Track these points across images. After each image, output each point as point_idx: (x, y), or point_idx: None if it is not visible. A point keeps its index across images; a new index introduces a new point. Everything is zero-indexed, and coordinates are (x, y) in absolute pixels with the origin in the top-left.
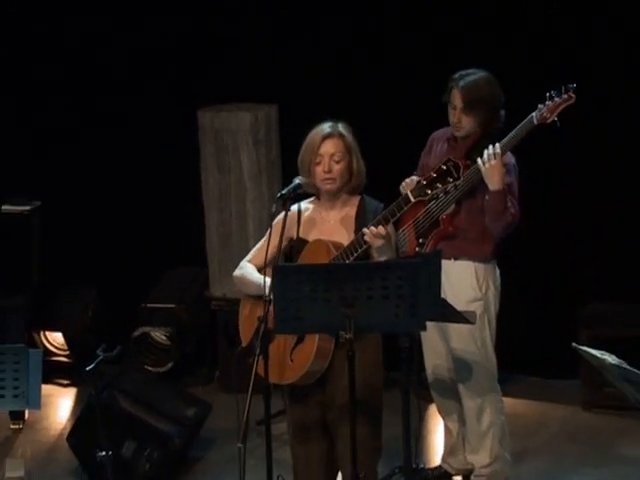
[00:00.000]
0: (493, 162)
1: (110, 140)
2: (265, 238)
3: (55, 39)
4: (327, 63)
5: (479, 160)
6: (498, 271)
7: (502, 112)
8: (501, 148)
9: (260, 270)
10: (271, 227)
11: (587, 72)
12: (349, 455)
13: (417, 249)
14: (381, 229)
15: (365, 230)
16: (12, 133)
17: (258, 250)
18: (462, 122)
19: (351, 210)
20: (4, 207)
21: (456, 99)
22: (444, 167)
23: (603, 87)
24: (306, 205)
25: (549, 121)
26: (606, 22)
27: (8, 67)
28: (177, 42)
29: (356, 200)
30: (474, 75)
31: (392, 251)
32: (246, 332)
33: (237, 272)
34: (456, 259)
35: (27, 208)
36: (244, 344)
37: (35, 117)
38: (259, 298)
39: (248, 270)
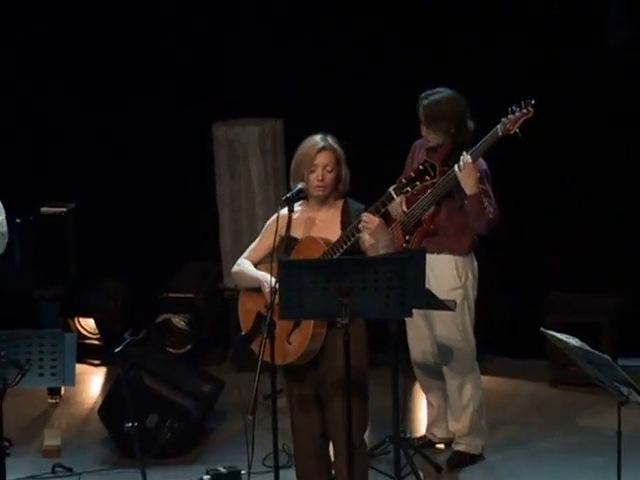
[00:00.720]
0: (466, 169)
1: (135, 149)
2: (259, 238)
3: (88, 52)
4: (324, 84)
5: (455, 167)
6: (476, 263)
7: (470, 124)
8: (471, 156)
9: (256, 265)
10: (264, 228)
11: (546, 88)
12: (340, 426)
13: (404, 245)
14: (371, 221)
15: (363, 215)
16: (49, 146)
17: (254, 248)
18: (428, 135)
19: (336, 211)
20: (43, 209)
21: (421, 115)
22: (422, 167)
23: (561, 101)
24: (296, 207)
25: (512, 132)
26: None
27: (33, 81)
28: (194, 62)
29: (340, 203)
30: (438, 94)
31: (386, 234)
32: (246, 321)
33: (235, 268)
34: (438, 253)
35: (63, 210)
36: (244, 332)
37: (67, 133)
38: (256, 290)
39: (246, 266)
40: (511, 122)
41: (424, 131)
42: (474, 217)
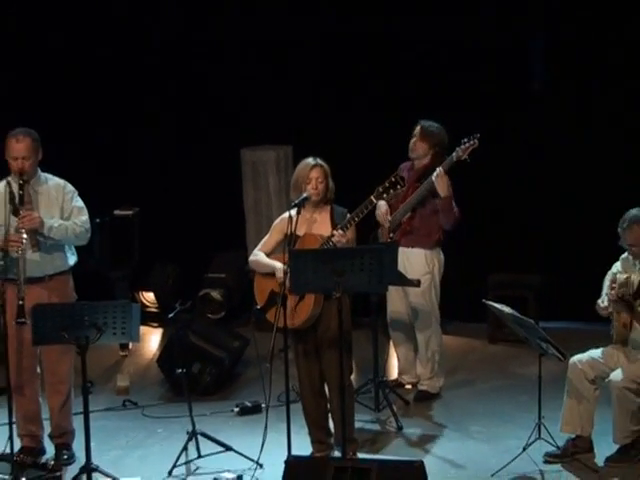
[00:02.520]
0: (440, 177)
1: (184, 168)
2: (269, 235)
3: (152, 80)
4: (324, 120)
5: (432, 176)
6: (442, 255)
7: (443, 152)
8: (442, 168)
9: (268, 255)
10: (272, 227)
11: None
12: (333, 371)
13: (389, 239)
14: (342, 235)
15: (334, 232)
16: (121, 164)
17: (265, 243)
18: (418, 146)
19: (326, 214)
20: (115, 212)
21: (418, 130)
22: (393, 179)
23: (497, 134)
24: (294, 212)
25: (463, 159)
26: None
27: (108, 99)
28: (228, 102)
29: (328, 207)
30: (430, 122)
31: (351, 242)
32: (261, 297)
33: (252, 258)
34: (413, 247)
35: (130, 212)
36: (259, 305)
37: (134, 156)
38: (268, 274)
39: (261, 256)
40: (462, 151)
41: (414, 142)
42: (444, 215)
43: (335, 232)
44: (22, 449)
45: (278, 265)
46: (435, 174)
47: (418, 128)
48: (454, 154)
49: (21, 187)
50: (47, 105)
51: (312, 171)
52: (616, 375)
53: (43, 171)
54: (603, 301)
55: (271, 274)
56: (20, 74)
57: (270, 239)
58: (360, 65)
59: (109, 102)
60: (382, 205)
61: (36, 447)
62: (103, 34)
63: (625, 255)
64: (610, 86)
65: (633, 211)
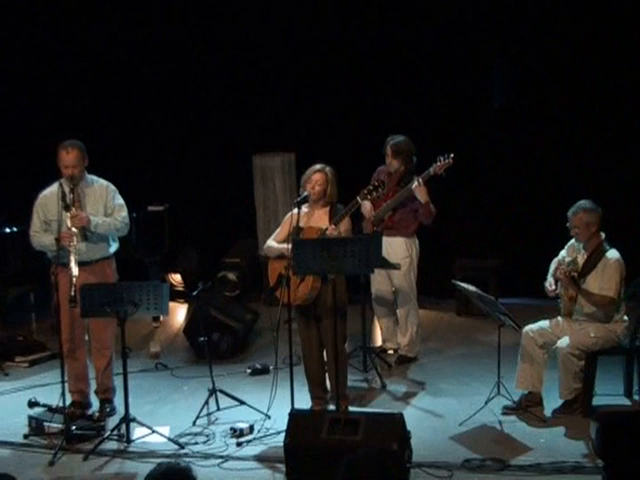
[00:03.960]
0: (419, 188)
1: (205, 171)
2: (280, 227)
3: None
4: (322, 132)
5: (413, 186)
6: (417, 242)
7: (414, 159)
8: (422, 179)
9: (279, 243)
10: (283, 221)
11: (456, 138)
12: (330, 339)
13: (373, 231)
14: (334, 229)
15: (328, 227)
16: (155, 168)
17: (277, 233)
18: (392, 163)
19: (326, 210)
20: (149, 208)
21: (389, 150)
22: (376, 183)
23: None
24: (303, 208)
25: (439, 174)
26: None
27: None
28: (245, 116)
29: (329, 206)
30: (399, 137)
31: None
32: (272, 278)
33: (266, 245)
34: (394, 237)
35: (161, 208)
36: (272, 284)
37: (163, 156)
38: (279, 258)
39: (273, 243)
40: (438, 167)
41: (389, 160)
42: (425, 215)
43: (329, 227)
44: (72, 403)
45: (286, 247)
46: (414, 185)
47: (389, 148)
48: (430, 169)
49: (71, 190)
50: (95, 124)
51: (314, 175)
52: (562, 342)
53: (89, 173)
54: (550, 284)
55: (280, 257)
56: (69, 92)
57: (281, 231)
58: (352, 84)
59: (147, 119)
60: (367, 204)
61: (84, 401)
62: (135, 46)
63: (571, 242)
64: (558, 101)
65: (582, 201)
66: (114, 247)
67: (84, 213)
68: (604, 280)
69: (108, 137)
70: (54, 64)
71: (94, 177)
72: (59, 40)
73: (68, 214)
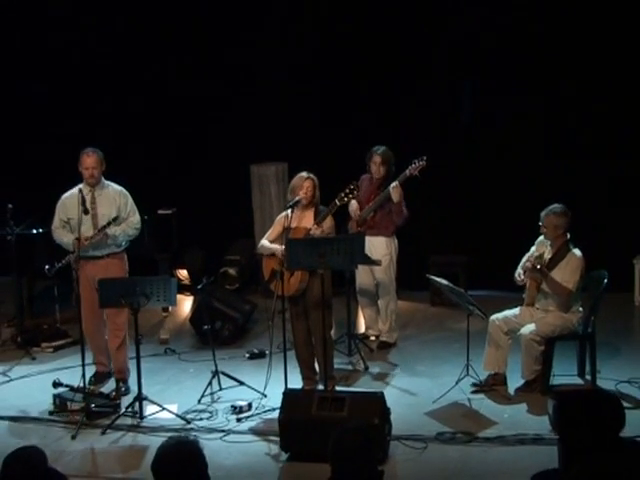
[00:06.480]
0: (395, 188)
1: (209, 179)
2: (272, 228)
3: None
4: (311, 144)
5: (390, 188)
6: (396, 240)
7: (393, 168)
8: (398, 182)
9: (272, 242)
10: (275, 222)
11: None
12: (318, 327)
13: (358, 231)
14: (317, 228)
15: (313, 226)
16: (165, 177)
17: (269, 233)
18: (380, 170)
19: (311, 212)
20: (159, 211)
21: (376, 158)
22: (351, 186)
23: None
24: (289, 211)
25: (414, 175)
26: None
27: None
28: (244, 129)
29: (313, 208)
30: (382, 147)
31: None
32: (267, 273)
33: (260, 244)
34: (376, 236)
35: (169, 211)
36: (266, 278)
37: (171, 166)
38: (272, 255)
39: (266, 243)
40: (413, 169)
41: (374, 168)
42: (396, 215)
43: (313, 226)
44: (96, 374)
45: (277, 247)
46: (392, 185)
47: (377, 157)
48: (407, 171)
49: (89, 192)
50: (117, 140)
51: (306, 182)
52: (525, 329)
53: (107, 179)
54: (519, 275)
55: (273, 255)
56: (89, 101)
57: (273, 230)
58: (335, 102)
59: (160, 134)
60: (354, 203)
61: (105, 371)
62: (152, 60)
63: (540, 238)
64: (520, 116)
65: (555, 205)
66: (124, 244)
67: (101, 234)
68: (566, 274)
69: (125, 150)
70: (78, 75)
71: (110, 182)
72: (74, 48)
73: (86, 216)
